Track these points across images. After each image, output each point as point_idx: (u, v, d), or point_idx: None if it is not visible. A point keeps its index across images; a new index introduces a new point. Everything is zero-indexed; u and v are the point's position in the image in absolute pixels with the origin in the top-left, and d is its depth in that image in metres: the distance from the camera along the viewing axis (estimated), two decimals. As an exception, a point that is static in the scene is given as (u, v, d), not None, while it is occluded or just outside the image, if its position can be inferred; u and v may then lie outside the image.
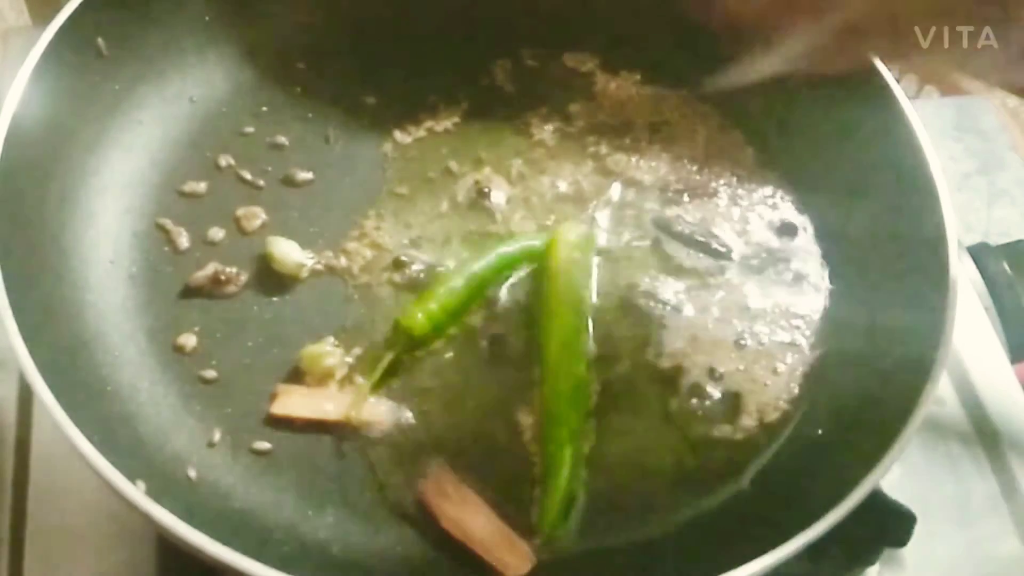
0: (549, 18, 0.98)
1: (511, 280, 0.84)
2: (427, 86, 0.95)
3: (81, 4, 0.82)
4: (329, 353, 0.78)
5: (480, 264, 0.83)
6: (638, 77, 0.98)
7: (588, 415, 0.78)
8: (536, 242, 0.85)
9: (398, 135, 0.93)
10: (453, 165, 0.91)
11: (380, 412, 0.78)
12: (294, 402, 0.77)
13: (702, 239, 0.87)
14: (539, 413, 0.77)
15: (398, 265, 0.84)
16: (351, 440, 0.76)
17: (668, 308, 0.84)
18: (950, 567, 0.83)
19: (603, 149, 0.93)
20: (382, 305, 0.83)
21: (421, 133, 0.93)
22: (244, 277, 0.83)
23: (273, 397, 0.78)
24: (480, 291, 0.82)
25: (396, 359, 0.79)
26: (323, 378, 0.78)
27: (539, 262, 0.84)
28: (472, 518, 0.73)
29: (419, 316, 0.79)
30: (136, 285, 0.83)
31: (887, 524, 0.80)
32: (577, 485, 0.74)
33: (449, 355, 0.81)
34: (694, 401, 0.80)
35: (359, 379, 0.79)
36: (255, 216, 0.87)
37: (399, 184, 0.90)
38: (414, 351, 0.80)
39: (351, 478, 0.76)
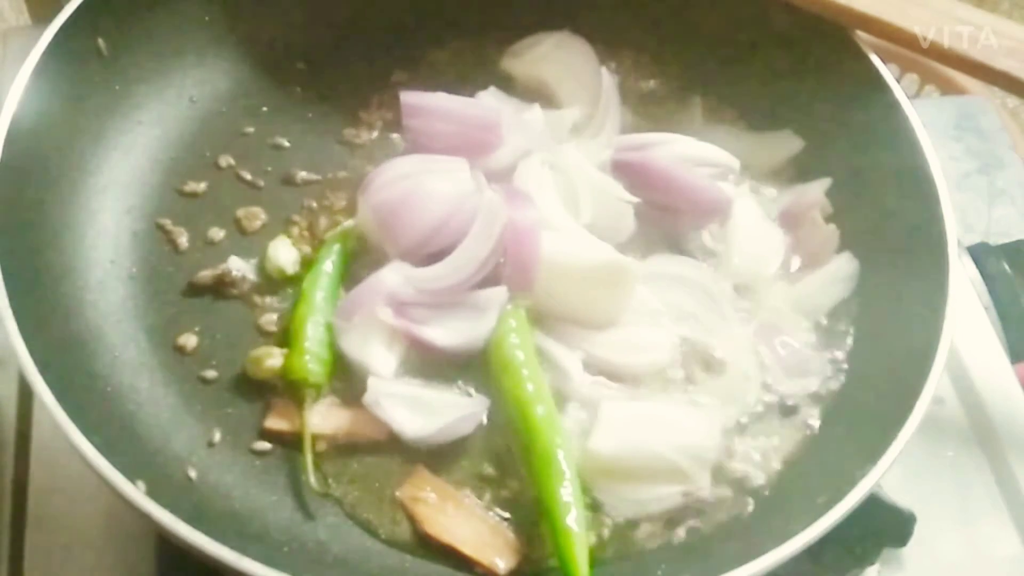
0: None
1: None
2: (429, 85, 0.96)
3: (81, 4, 0.83)
4: (269, 354, 0.78)
5: (321, 287, 0.80)
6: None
7: (565, 474, 0.71)
8: (337, 243, 0.83)
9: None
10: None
11: (345, 423, 0.77)
12: (287, 416, 0.77)
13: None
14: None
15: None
16: (346, 446, 0.76)
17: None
18: (950, 567, 0.83)
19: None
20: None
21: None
22: (248, 281, 0.83)
23: (268, 408, 0.78)
24: (333, 308, 0.80)
25: (312, 403, 0.76)
26: (267, 379, 0.78)
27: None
28: (454, 519, 0.73)
29: (307, 363, 0.76)
30: (136, 285, 0.83)
31: (887, 524, 0.80)
32: (582, 525, 0.70)
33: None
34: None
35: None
36: (255, 216, 0.87)
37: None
38: (320, 392, 0.77)
39: (349, 480, 0.76)
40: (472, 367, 0.79)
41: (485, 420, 0.77)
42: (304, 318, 0.79)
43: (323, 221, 0.87)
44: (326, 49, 0.96)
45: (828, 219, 0.87)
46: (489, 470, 0.76)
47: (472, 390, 0.78)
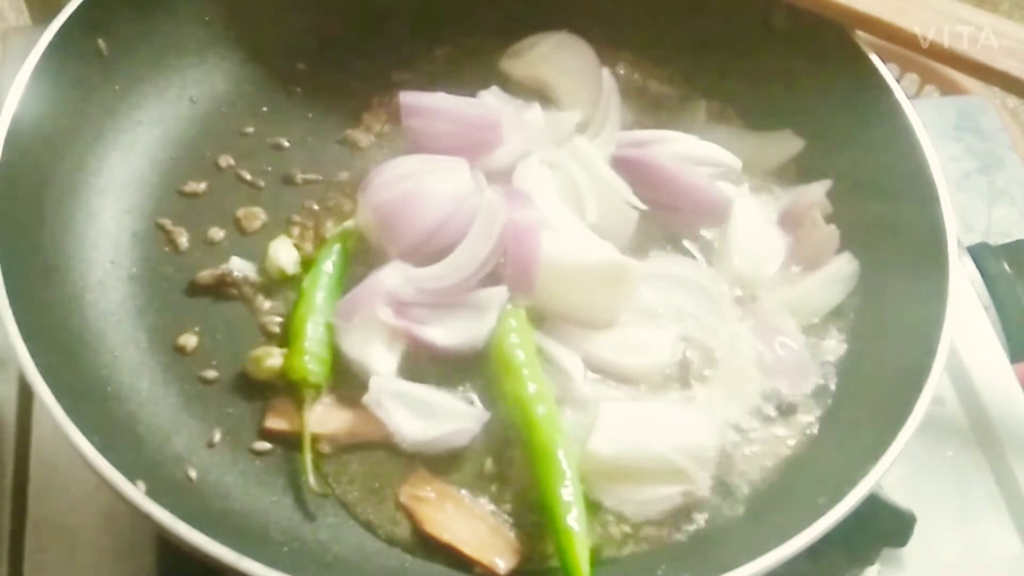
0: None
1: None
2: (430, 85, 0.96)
3: (81, 4, 0.83)
4: (269, 354, 0.78)
5: (321, 287, 0.80)
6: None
7: (565, 473, 0.71)
8: (337, 243, 0.83)
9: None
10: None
11: (345, 423, 0.77)
12: (287, 416, 0.77)
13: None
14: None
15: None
16: (346, 446, 0.76)
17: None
18: (950, 567, 0.83)
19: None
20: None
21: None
22: (249, 281, 0.83)
23: (268, 408, 0.78)
24: (333, 308, 0.79)
25: (312, 403, 0.76)
26: (267, 379, 0.78)
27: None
28: (454, 519, 0.73)
29: (307, 363, 0.76)
30: (136, 285, 0.83)
31: (887, 524, 0.80)
32: (583, 525, 0.70)
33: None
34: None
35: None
36: (255, 216, 0.87)
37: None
38: (320, 392, 0.77)
39: (349, 480, 0.76)
40: (473, 369, 0.79)
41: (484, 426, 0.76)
42: (304, 318, 0.79)
43: (324, 221, 0.87)
44: (326, 49, 0.96)
45: (828, 219, 0.87)
46: (490, 469, 0.76)
47: (473, 394, 0.78)
